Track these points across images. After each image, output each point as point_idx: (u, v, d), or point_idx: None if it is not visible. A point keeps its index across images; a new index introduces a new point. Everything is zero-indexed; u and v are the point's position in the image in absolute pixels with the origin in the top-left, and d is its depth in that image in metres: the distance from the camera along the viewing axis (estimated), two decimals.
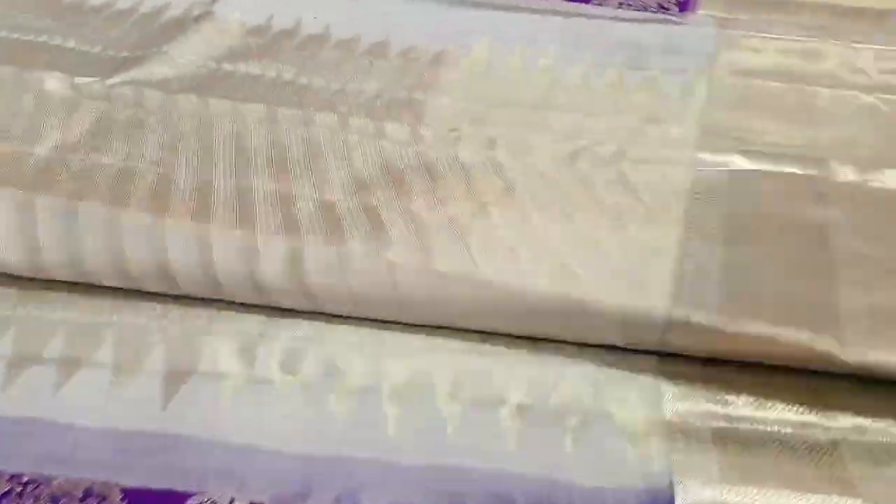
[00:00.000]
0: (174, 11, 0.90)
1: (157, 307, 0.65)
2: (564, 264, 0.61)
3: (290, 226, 0.64)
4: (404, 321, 0.64)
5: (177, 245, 0.63)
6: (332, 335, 0.63)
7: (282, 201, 0.66)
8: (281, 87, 0.79)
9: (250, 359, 0.61)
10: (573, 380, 0.59)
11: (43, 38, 0.86)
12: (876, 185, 0.68)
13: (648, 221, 0.65)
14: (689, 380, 0.59)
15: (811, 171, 0.69)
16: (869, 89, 0.78)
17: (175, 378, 0.59)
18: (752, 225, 0.65)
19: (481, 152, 0.70)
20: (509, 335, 0.63)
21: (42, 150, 0.69)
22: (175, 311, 0.64)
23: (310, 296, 0.63)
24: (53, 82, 0.76)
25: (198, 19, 0.88)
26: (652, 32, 0.85)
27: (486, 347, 0.62)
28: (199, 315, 0.64)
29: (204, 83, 0.78)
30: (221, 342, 0.62)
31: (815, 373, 0.58)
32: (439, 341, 0.62)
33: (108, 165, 0.68)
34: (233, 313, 0.64)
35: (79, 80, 0.77)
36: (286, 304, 0.65)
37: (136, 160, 0.69)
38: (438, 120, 0.74)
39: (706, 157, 0.71)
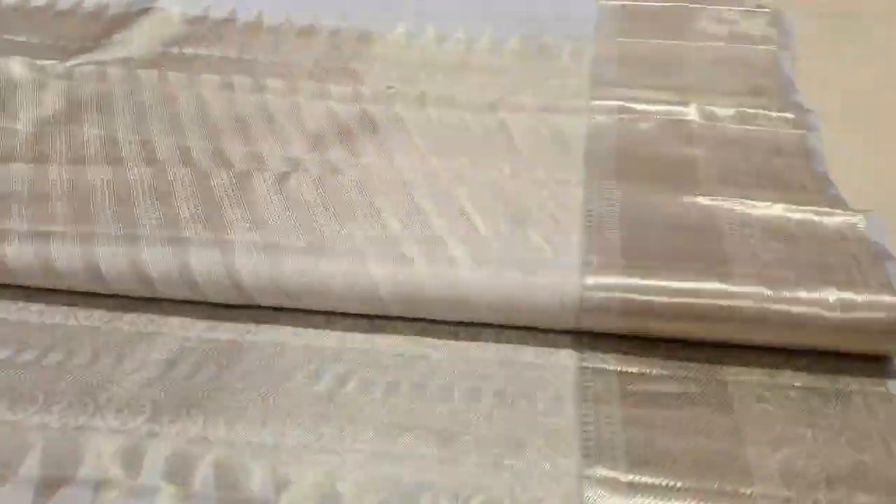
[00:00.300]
0: (116, 9, 0.99)
1: (39, 397, 0.59)
2: (492, 203, 0.70)
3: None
4: None
5: (182, 198, 0.68)
6: (227, 435, 0.58)
7: (255, 160, 0.76)
8: (229, 63, 0.89)
9: (135, 463, 0.55)
10: (488, 491, 0.54)
11: None
12: (730, 125, 0.83)
13: (556, 161, 0.77)
14: (612, 487, 0.55)
15: (680, 115, 0.84)
16: (725, 39, 0.96)
17: (49, 486, 0.53)
18: (638, 160, 0.79)
19: (415, 106, 0.83)
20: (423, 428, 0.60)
21: (22, 125, 0.77)
22: (57, 406, 0.59)
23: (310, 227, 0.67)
24: (16, 66, 0.83)
25: (140, 13, 0.97)
26: (545, 7, 1.00)
27: (398, 450, 0.57)
28: (85, 409, 0.59)
29: (159, 61, 0.88)
30: (105, 443, 0.57)
31: (738, 468, 0.57)
32: (347, 443, 0.58)
33: (94, 135, 0.76)
34: (119, 407, 0.59)
35: (40, 62, 0.84)
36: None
37: (114, 130, 0.77)
38: (375, 82, 0.86)
39: (598, 104, 0.85)
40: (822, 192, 0.75)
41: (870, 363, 0.63)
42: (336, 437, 0.57)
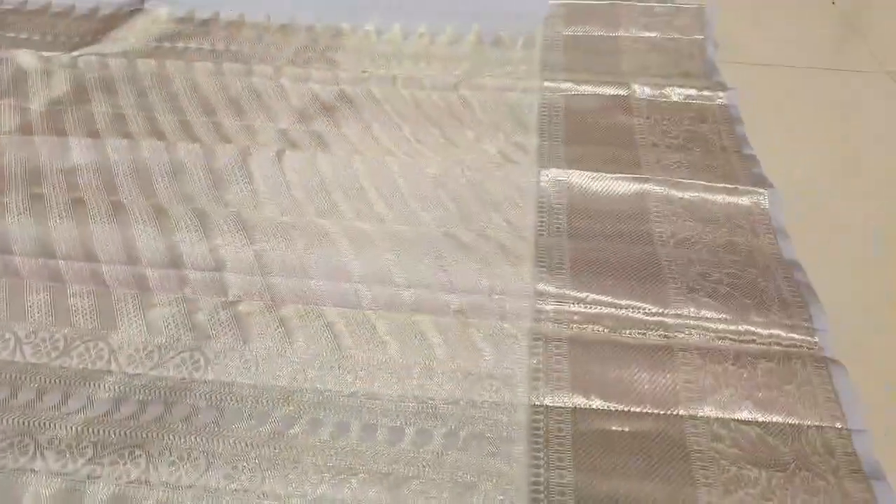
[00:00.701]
0: (106, 10, 1.08)
1: None
2: (458, 159, 0.84)
3: (265, 144, 0.84)
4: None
5: (188, 153, 0.80)
6: (169, 478, 0.59)
7: (249, 131, 0.86)
8: (217, 54, 0.99)
9: None
10: None
11: None
12: (663, 98, 0.96)
13: (514, 129, 0.90)
14: None
15: (620, 91, 0.96)
16: (658, 31, 1.08)
17: None
18: (585, 128, 0.91)
19: (387, 87, 0.93)
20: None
21: (36, 105, 0.86)
22: None
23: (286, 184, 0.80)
24: (24, 56, 0.93)
25: (131, 14, 1.06)
26: (499, 6, 1.12)
27: (344, 495, 0.58)
28: (26, 450, 0.60)
29: (155, 52, 0.98)
30: (43, 486, 0.58)
31: None
32: (292, 487, 0.59)
33: (102, 112, 0.85)
34: (61, 449, 0.60)
35: (46, 53, 0.94)
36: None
37: (120, 108, 0.87)
38: (350, 68, 0.97)
39: (548, 84, 0.97)
40: (738, 150, 0.88)
41: (828, 401, 0.64)
42: (280, 481, 0.58)
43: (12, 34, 1.01)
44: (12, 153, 0.81)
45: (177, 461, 0.59)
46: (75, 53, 0.95)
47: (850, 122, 1.01)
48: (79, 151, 0.80)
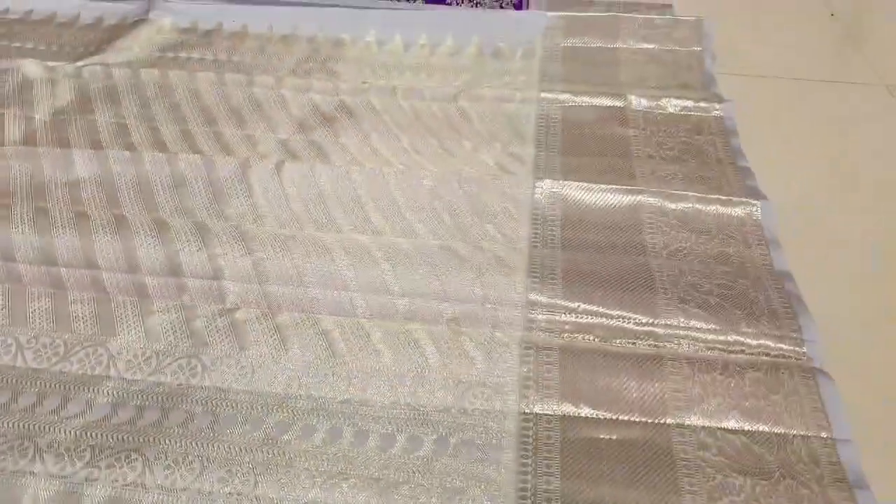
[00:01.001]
0: (111, 20, 1.09)
1: None
2: (455, 170, 0.85)
3: (265, 154, 0.86)
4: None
5: (189, 165, 0.82)
6: (164, 481, 0.60)
7: (249, 141, 0.88)
8: (220, 64, 1.01)
9: None
10: None
11: (2, 43, 1.03)
12: (659, 110, 0.97)
13: (511, 139, 0.91)
14: None
15: (617, 102, 0.97)
16: (656, 42, 1.09)
17: None
18: (582, 139, 0.92)
19: (387, 97, 0.95)
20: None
21: (40, 115, 0.88)
22: None
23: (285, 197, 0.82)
24: (30, 66, 0.95)
25: (135, 24, 1.08)
26: (499, 18, 1.13)
27: (334, 499, 0.59)
28: (25, 453, 0.61)
29: (158, 62, 0.99)
30: (42, 488, 0.59)
31: None
32: (284, 491, 0.60)
33: (105, 123, 0.87)
34: (60, 452, 0.61)
35: (51, 63, 0.95)
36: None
37: (123, 118, 0.88)
38: (350, 79, 0.98)
39: (546, 95, 0.98)
40: (733, 163, 0.88)
41: (815, 410, 0.65)
42: (273, 485, 0.60)
43: (18, 44, 1.03)
44: (17, 165, 0.82)
45: (172, 465, 0.60)
46: (80, 63, 0.96)
47: (849, 134, 1.02)
48: (82, 164, 0.82)
